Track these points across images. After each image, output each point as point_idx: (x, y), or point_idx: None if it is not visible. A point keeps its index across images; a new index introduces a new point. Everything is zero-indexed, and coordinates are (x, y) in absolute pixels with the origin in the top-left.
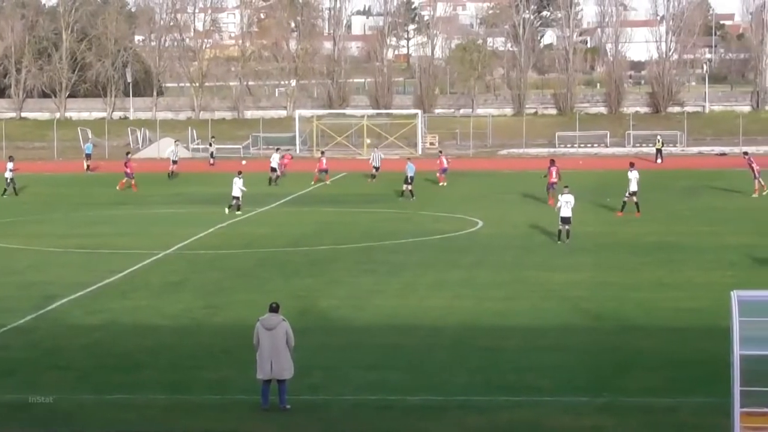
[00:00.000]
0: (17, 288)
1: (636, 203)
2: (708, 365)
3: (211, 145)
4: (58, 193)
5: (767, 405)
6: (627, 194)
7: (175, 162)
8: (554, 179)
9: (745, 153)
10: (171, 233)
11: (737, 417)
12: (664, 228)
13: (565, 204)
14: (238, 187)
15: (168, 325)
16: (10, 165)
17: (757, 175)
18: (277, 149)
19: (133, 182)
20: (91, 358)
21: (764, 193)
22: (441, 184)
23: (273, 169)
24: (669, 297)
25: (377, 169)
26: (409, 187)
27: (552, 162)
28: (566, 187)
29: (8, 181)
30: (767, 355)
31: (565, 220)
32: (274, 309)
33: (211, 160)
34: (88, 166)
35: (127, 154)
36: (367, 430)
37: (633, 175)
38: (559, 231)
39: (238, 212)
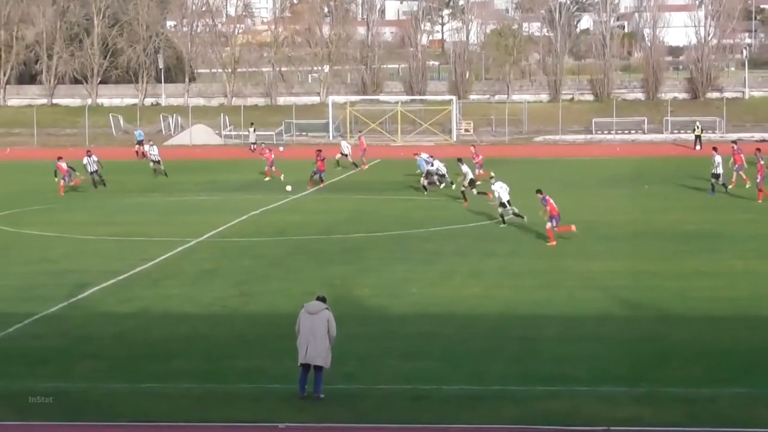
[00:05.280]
0: (50, 276)
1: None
2: (748, 355)
3: (254, 131)
4: (90, 180)
5: None
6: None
7: (156, 162)
8: (323, 168)
9: (734, 142)
10: (203, 221)
11: None
12: (703, 216)
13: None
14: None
15: (201, 313)
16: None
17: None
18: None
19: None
20: (124, 346)
21: (747, 186)
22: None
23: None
24: (708, 286)
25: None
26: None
27: (318, 152)
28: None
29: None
30: None
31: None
32: (320, 299)
33: (253, 147)
34: (139, 152)
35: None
36: (402, 420)
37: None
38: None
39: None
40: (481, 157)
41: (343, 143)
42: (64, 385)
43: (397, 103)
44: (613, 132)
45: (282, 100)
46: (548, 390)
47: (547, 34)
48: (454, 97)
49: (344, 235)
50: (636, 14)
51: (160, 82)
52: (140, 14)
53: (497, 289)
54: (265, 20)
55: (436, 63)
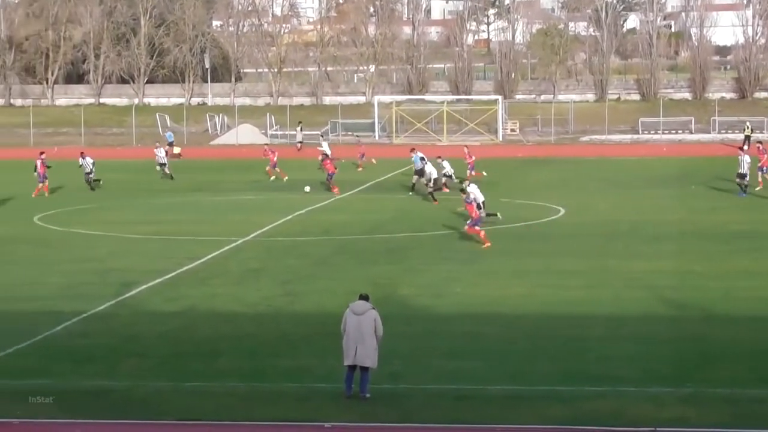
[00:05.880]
0: (97, 275)
1: (432, 193)
2: None
3: (301, 130)
4: (136, 180)
5: None
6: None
7: (163, 164)
8: (331, 170)
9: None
10: (249, 220)
11: None
12: (749, 216)
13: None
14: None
15: (246, 312)
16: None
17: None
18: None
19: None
20: (170, 345)
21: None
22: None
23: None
24: (754, 286)
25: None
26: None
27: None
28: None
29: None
30: None
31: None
32: (363, 297)
33: (298, 146)
34: (168, 153)
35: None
36: (446, 420)
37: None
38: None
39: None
40: (473, 158)
41: (324, 144)
42: (109, 383)
43: (442, 102)
44: (659, 132)
45: (328, 100)
46: (593, 390)
47: (593, 33)
48: (499, 97)
49: (389, 234)
50: (683, 13)
51: (207, 82)
52: (186, 14)
53: (540, 288)
54: (310, 20)
55: (482, 63)
